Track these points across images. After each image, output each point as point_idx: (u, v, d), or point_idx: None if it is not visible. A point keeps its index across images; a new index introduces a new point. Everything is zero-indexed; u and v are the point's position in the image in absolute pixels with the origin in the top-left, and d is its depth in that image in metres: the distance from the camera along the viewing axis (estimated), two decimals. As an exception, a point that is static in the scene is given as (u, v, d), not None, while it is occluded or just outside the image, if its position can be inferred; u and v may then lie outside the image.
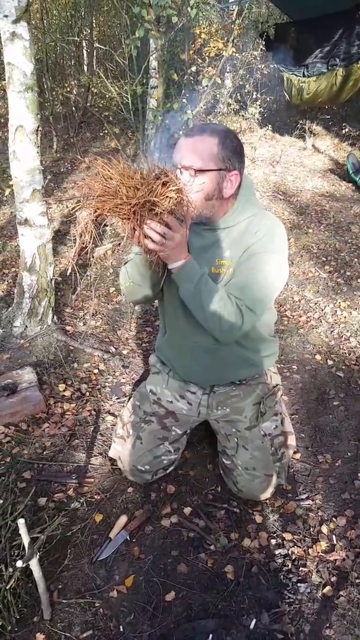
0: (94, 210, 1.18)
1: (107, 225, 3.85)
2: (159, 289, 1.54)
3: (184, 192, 1.21)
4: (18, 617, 1.42)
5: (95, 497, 1.83)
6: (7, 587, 1.41)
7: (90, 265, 3.54)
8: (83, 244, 1.22)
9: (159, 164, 1.21)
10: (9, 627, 1.39)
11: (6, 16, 2.20)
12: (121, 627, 1.43)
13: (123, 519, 1.73)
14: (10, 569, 1.44)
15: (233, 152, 1.40)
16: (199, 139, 1.37)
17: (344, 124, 7.50)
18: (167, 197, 1.18)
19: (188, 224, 1.30)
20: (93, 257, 3.66)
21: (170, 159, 1.43)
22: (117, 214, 1.19)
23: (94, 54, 7.75)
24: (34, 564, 1.32)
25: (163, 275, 1.45)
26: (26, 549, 1.30)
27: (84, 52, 7.86)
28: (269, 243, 1.46)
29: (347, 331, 2.99)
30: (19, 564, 1.31)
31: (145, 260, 1.37)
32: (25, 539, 1.28)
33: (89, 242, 1.21)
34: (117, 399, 2.37)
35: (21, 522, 1.26)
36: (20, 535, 1.29)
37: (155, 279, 1.47)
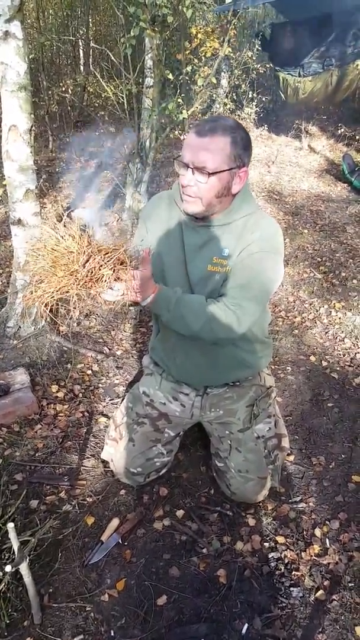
0: (39, 297, 1.19)
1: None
2: None
3: (124, 259, 1.20)
4: (8, 621, 1.41)
5: (88, 499, 1.82)
6: (-3, 592, 1.40)
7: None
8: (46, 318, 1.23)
9: (91, 236, 1.20)
10: (-1, 632, 1.38)
11: (-1, 15, 2.18)
12: (112, 631, 1.42)
13: (115, 521, 1.71)
14: (0, 573, 1.42)
15: (244, 149, 1.40)
16: (210, 139, 1.35)
17: (339, 124, 7.49)
18: (102, 276, 1.18)
19: (146, 264, 1.30)
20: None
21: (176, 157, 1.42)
22: (63, 294, 1.19)
23: (90, 54, 7.72)
24: (24, 568, 1.31)
25: None
26: (16, 553, 1.28)
27: (80, 51, 7.84)
28: (266, 243, 1.45)
29: (342, 332, 2.98)
30: (8, 568, 1.29)
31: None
32: (15, 543, 1.27)
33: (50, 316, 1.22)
34: (110, 400, 2.35)
35: (10, 526, 1.24)
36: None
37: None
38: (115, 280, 1.21)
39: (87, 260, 1.16)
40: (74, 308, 1.20)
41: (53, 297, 1.19)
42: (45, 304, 1.21)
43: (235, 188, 1.43)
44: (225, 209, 1.47)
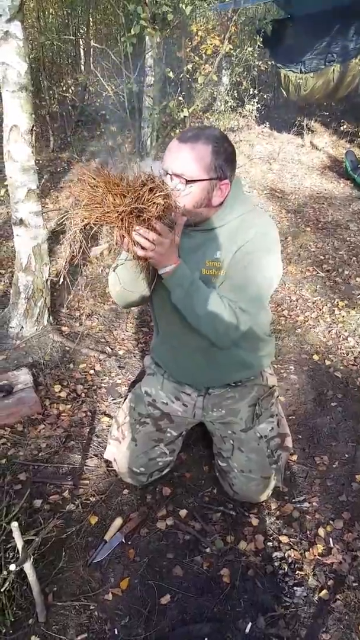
0: (82, 219, 1.17)
1: (102, 226, 3.83)
2: (150, 292, 1.52)
3: (171, 198, 1.20)
4: (13, 619, 1.41)
5: (91, 499, 1.82)
6: (2, 590, 1.40)
7: (85, 265, 3.52)
8: (73, 252, 1.20)
9: (146, 169, 1.19)
10: (4, 630, 1.39)
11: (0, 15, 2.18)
12: (116, 630, 1.42)
13: (118, 521, 1.72)
14: (5, 572, 1.43)
15: (225, 161, 1.37)
16: (192, 145, 1.34)
17: (342, 121, 7.47)
18: (154, 203, 1.16)
19: (178, 230, 1.29)
20: (89, 256, 3.64)
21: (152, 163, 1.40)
22: (105, 222, 1.18)
23: (91, 53, 7.72)
24: (28, 567, 1.31)
25: (154, 279, 1.44)
26: (20, 552, 1.29)
27: (81, 50, 7.84)
28: (261, 242, 1.44)
29: (345, 331, 2.98)
30: (12, 567, 1.30)
31: (136, 265, 1.35)
32: (19, 542, 1.27)
33: (79, 251, 1.20)
34: (112, 400, 2.36)
35: (14, 525, 1.25)
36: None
37: (146, 283, 1.45)
38: (152, 228, 1.20)
39: (144, 185, 1.16)
40: (109, 246, 1.20)
41: (94, 219, 1.17)
42: (86, 225, 1.18)
43: (216, 200, 1.41)
44: (215, 213, 1.45)
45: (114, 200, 1.15)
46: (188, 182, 1.34)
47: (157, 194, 1.16)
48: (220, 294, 1.45)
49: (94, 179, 1.17)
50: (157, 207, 1.17)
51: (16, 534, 1.26)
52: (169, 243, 1.25)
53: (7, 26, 2.20)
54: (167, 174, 1.36)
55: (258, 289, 1.47)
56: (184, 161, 1.33)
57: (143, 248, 1.23)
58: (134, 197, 1.15)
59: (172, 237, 1.26)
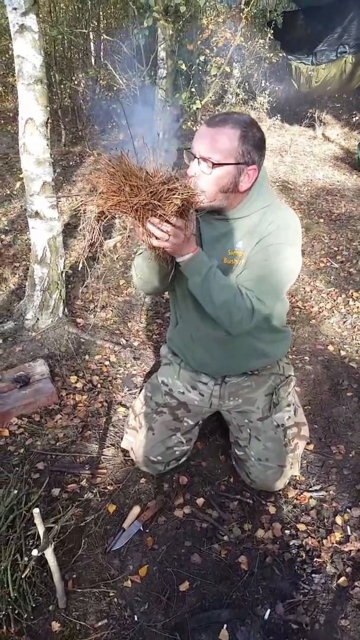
0: (96, 206, 1.17)
1: (116, 218, 3.84)
2: (169, 281, 1.53)
3: (190, 200, 1.18)
4: (33, 605, 1.43)
5: (109, 487, 1.84)
6: (23, 576, 1.43)
7: (98, 258, 3.53)
8: (91, 239, 1.20)
9: (169, 167, 1.18)
10: (25, 615, 1.41)
11: (15, 9, 2.18)
12: (136, 616, 1.44)
13: (136, 509, 1.73)
14: (26, 558, 1.45)
15: (254, 146, 1.36)
16: (220, 130, 1.34)
17: (354, 112, 7.40)
18: (171, 202, 1.15)
19: (194, 219, 1.28)
20: (102, 249, 3.66)
21: (176, 147, 1.40)
22: (119, 211, 1.17)
23: (101, 47, 7.70)
24: (49, 553, 1.33)
25: (172, 268, 1.44)
26: (41, 538, 1.31)
27: (92, 44, 7.82)
28: (282, 234, 1.44)
29: (360, 321, 2.96)
30: (35, 552, 1.32)
31: (152, 254, 1.35)
32: (40, 529, 1.29)
33: (96, 238, 1.20)
34: (128, 390, 2.37)
35: (36, 511, 1.27)
36: (34, 525, 1.30)
37: (164, 272, 1.45)
38: (166, 221, 1.19)
39: (164, 184, 1.15)
40: (122, 238, 1.20)
41: (108, 207, 1.16)
42: (100, 212, 1.18)
43: (243, 186, 1.40)
44: (239, 203, 1.45)
45: (131, 191, 1.14)
46: (214, 165, 1.33)
47: (175, 195, 1.14)
48: (238, 283, 1.45)
49: (114, 167, 1.16)
50: (173, 206, 1.15)
51: (37, 520, 1.27)
52: (184, 235, 1.25)
53: (23, 19, 2.21)
54: (195, 157, 1.36)
55: (277, 281, 1.47)
56: (211, 145, 1.33)
57: (157, 238, 1.23)
58: (151, 192, 1.14)
59: (190, 229, 1.26)
